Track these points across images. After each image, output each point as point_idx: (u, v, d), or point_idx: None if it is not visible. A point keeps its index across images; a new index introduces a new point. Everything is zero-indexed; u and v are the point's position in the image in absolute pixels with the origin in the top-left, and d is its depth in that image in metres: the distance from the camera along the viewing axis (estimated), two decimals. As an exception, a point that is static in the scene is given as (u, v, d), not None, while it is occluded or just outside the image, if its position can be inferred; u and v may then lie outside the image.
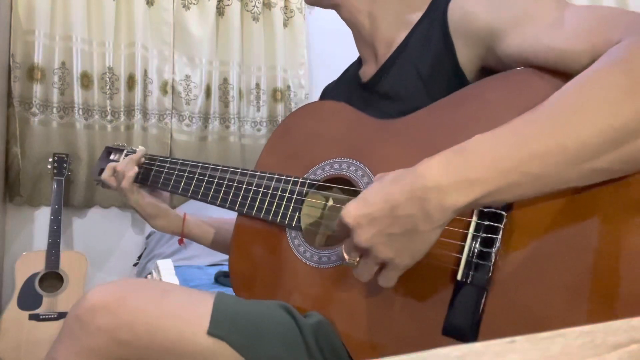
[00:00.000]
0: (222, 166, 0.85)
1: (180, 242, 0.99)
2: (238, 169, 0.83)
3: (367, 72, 0.83)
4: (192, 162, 0.89)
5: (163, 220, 0.95)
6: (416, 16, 0.75)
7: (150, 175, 0.94)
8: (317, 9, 2.75)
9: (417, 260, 0.52)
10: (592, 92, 0.46)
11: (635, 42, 0.47)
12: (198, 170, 0.87)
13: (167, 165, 0.93)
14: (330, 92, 0.95)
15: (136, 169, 0.93)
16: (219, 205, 0.83)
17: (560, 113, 0.46)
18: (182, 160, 0.91)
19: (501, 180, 0.46)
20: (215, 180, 0.84)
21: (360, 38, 0.83)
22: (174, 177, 0.90)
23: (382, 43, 0.79)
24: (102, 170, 1.03)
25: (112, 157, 1.05)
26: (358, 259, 0.54)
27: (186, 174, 0.89)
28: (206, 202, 0.85)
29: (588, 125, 0.44)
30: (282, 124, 0.83)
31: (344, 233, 0.54)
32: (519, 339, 0.21)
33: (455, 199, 0.47)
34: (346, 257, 0.55)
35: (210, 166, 0.86)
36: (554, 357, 0.20)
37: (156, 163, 0.95)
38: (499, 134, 0.48)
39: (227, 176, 0.83)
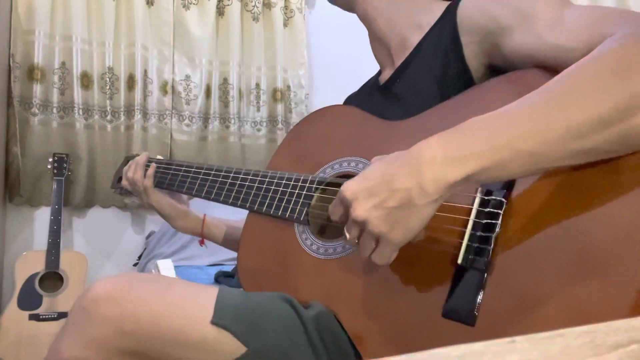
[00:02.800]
0: (235, 169, 0.89)
1: (201, 242, 1.03)
2: (250, 170, 0.87)
3: (385, 76, 0.85)
4: (207, 165, 0.95)
5: (182, 221, 1.01)
6: (431, 19, 0.77)
7: (166, 179, 1.00)
8: (317, 8, 2.78)
9: (411, 237, 0.53)
10: (583, 76, 0.48)
11: (627, 33, 0.48)
12: (212, 172, 0.92)
13: (183, 169, 0.98)
14: (352, 101, 0.97)
15: (154, 165, 0.99)
16: (231, 204, 0.86)
17: (552, 95, 0.48)
18: (197, 164, 0.97)
19: (494, 156, 0.48)
20: (229, 180, 0.88)
21: (376, 39, 0.85)
22: (188, 180, 0.96)
23: (396, 43, 0.81)
24: (120, 179, 1.09)
25: None
26: (357, 237, 0.56)
27: (200, 177, 0.94)
28: (219, 201, 0.89)
29: (578, 106, 0.46)
30: (294, 128, 0.87)
31: (343, 208, 0.56)
32: (519, 339, 0.21)
33: (450, 173, 0.49)
34: (347, 235, 0.56)
35: (224, 169, 0.91)
36: (554, 357, 0.20)
37: (173, 167, 1.00)
38: (494, 114, 0.50)
39: (239, 177, 0.87)
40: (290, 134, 0.87)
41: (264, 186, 0.82)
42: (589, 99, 0.46)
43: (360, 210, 0.52)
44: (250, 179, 0.85)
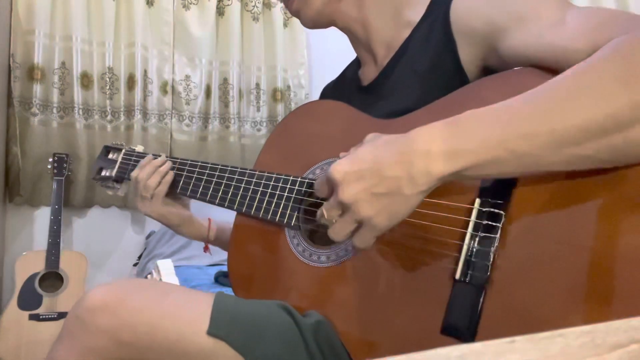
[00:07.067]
0: (221, 165, 0.85)
1: (206, 249, 0.98)
2: (237, 168, 0.83)
3: (367, 74, 0.82)
4: (191, 161, 0.89)
5: (186, 228, 0.94)
6: (416, 16, 0.74)
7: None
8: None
9: (395, 224, 0.52)
10: (587, 79, 0.46)
11: (635, 36, 0.47)
12: (197, 169, 0.87)
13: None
14: (330, 94, 0.95)
15: (172, 173, 0.90)
16: (218, 204, 0.83)
17: (553, 97, 0.47)
18: (181, 159, 0.91)
19: (486, 154, 0.47)
20: (214, 179, 0.84)
21: (357, 42, 0.83)
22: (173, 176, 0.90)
23: (380, 46, 0.79)
24: (100, 169, 1.04)
25: (110, 156, 1.06)
26: (336, 218, 0.54)
27: (185, 173, 0.89)
28: (205, 201, 0.85)
29: (578, 111, 0.45)
30: (280, 123, 0.83)
31: (329, 188, 0.55)
32: (519, 339, 0.21)
33: (441, 167, 0.48)
34: (325, 214, 0.54)
35: (209, 165, 0.86)
36: (554, 357, 0.20)
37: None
38: (491, 110, 0.49)
39: (226, 175, 0.83)
40: (277, 130, 0.83)
41: (251, 187, 0.79)
42: (589, 105, 0.45)
43: (348, 193, 0.51)
44: (237, 178, 0.81)
